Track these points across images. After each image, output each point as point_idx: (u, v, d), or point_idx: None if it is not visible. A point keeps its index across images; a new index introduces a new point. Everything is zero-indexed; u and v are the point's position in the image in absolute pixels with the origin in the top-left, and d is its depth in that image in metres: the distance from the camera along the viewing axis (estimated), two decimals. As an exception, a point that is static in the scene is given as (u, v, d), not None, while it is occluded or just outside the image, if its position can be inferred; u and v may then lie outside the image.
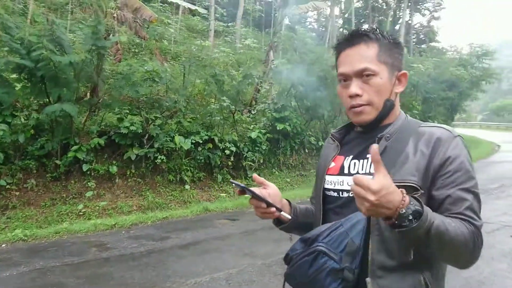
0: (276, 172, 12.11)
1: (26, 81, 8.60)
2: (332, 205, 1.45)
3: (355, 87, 1.35)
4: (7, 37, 8.25)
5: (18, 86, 8.67)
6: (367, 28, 1.40)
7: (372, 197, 1.07)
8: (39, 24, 10.11)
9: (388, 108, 1.38)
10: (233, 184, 1.48)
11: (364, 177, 1.09)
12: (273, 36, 14.22)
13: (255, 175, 1.55)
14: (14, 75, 8.69)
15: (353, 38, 1.38)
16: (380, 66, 1.34)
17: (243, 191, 1.39)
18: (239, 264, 5.27)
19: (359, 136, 1.48)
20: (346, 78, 1.38)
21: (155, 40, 15.41)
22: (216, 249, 6.04)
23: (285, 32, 16.71)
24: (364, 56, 1.34)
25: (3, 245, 6.37)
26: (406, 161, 1.28)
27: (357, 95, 1.35)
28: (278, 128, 11.89)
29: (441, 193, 1.24)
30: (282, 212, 1.45)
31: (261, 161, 11.69)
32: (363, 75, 1.34)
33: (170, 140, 9.92)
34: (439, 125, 1.38)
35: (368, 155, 1.35)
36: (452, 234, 1.15)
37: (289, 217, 1.49)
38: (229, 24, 21.69)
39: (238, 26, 20.10)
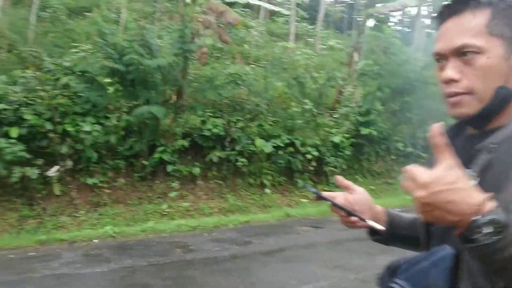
0: (360, 179, 11.48)
1: (118, 84, 9.00)
2: (433, 227, 1.12)
3: (451, 69, 0.99)
4: (103, 42, 8.73)
5: (111, 89, 9.09)
6: None
7: (418, 193, 0.79)
8: (131, 30, 10.60)
9: (501, 99, 0.97)
10: (306, 189, 1.27)
11: (415, 168, 0.81)
12: (357, 36, 13.64)
13: (339, 177, 1.31)
14: (107, 79, 9.12)
15: (456, 3, 1.01)
16: (490, 41, 0.96)
17: (319, 196, 1.23)
18: (329, 277, 4.90)
19: (467, 139, 1.08)
20: (442, 58, 1.02)
21: (237, 44, 15.54)
22: (301, 258, 5.72)
23: (370, 32, 15.98)
24: (466, 27, 0.97)
25: (95, 240, 6.62)
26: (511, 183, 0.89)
27: (453, 80, 0.98)
28: (362, 133, 11.28)
29: None
30: (369, 222, 1.23)
31: (344, 167, 11.15)
32: (463, 53, 0.97)
33: (251, 143, 9.82)
34: None
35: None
36: None
37: (380, 227, 1.25)
38: (310, 27, 21.34)
39: (319, 28, 19.70)
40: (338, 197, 1.24)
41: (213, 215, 8.49)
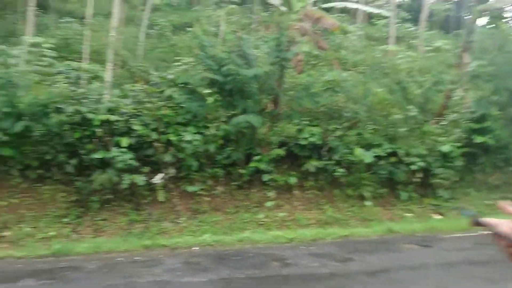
0: (473, 193, 10.30)
1: (217, 94, 9.23)
2: None
3: None
4: (203, 55, 9.04)
5: (210, 99, 9.36)
6: None
7: None
8: (229, 42, 10.88)
9: None
10: (463, 213, 1.03)
11: None
12: (467, 35, 12.38)
13: (503, 203, 1.09)
14: (206, 90, 9.41)
15: None
16: None
17: (477, 222, 1.10)
18: (443, 306, 4.33)
19: None
20: None
21: (333, 50, 15.15)
22: (409, 281, 5.18)
23: (483, 30, 14.45)
24: None
25: (194, 248, 6.77)
26: None
27: None
28: (476, 141, 10.13)
29: None
30: None
31: (454, 179, 10.08)
32: None
33: (349, 152, 9.37)
34: None
35: None
36: None
37: None
38: (412, 28, 20.08)
39: (422, 29, 18.41)
40: (501, 224, 1.06)
41: (310, 227, 8.22)
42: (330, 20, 10.86)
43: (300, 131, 9.54)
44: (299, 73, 10.85)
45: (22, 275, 5.42)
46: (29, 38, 9.76)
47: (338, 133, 9.55)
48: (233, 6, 15.97)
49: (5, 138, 7.59)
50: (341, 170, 9.18)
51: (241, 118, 8.64)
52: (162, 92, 9.27)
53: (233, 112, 9.18)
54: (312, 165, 9.21)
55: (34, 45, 9.35)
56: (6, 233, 7.07)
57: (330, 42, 14.55)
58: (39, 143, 8.00)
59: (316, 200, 9.24)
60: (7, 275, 5.45)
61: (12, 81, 8.04)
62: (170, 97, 9.10)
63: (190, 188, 8.62)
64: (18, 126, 7.65)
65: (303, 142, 9.26)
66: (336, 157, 9.27)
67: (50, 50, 9.28)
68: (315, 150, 9.39)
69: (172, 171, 8.60)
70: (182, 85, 9.26)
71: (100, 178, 7.86)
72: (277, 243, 7.04)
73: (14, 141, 7.75)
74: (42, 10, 14.52)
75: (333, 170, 9.22)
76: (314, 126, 9.73)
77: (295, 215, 8.70)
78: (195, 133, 8.64)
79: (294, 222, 8.46)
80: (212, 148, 8.78)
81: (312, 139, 9.17)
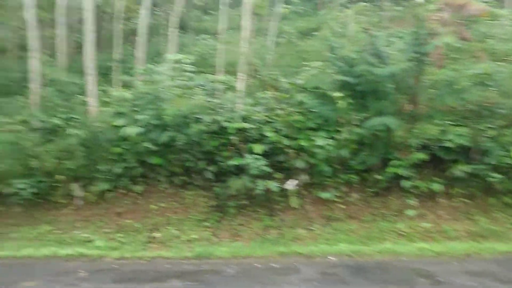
0: None
1: (348, 97, 8.84)
2: None
3: None
4: (333, 57, 8.77)
5: (341, 102, 9.01)
6: None
7: None
8: (358, 41, 10.40)
9: None
10: None
11: None
12: None
13: None
14: (337, 93, 9.08)
15: None
16: None
17: None
18: None
19: None
20: None
21: (478, 41, 13.42)
22: None
23: None
24: None
25: (330, 257, 6.49)
26: None
27: None
28: None
29: None
30: None
31: None
32: None
33: (507, 155, 8.08)
34: None
35: None
36: None
37: None
38: None
39: None
40: None
41: (460, 240, 7.29)
42: (476, 6, 9.64)
43: (443, 132, 8.58)
44: (439, 68, 9.84)
45: (169, 275, 5.82)
46: (171, 56, 10.70)
47: (492, 133, 8.32)
48: (363, 3, 15.32)
49: (154, 147, 8.39)
50: (497, 175, 7.96)
51: (376, 121, 8.10)
52: (292, 98, 9.26)
53: (366, 114, 8.68)
54: (460, 169, 8.19)
55: (176, 62, 10.19)
56: (157, 234, 7.75)
57: (474, 31, 12.94)
58: (182, 151, 8.64)
59: (466, 209, 8.19)
60: (157, 274, 5.91)
61: (159, 96, 8.86)
62: (300, 103, 9.02)
63: (323, 195, 8.38)
64: (164, 137, 8.39)
65: (448, 144, 8.30)
66: (489, 160, 8.09)
67: (189, 66, 10.00)
68: (463, 153, 8.34)
69: (304, 177, 8.48)
70: (312, 89, 9.11)
71: (235, 184, 8.14)
72: (422, 256, 6.39)
73: (161, 151, 8.52)
74: (181, 31, 15.95)
75: (486, 175, 8.06)
76: (459, 126, 8.67)
77: (442, 226, 7.81)
78: (326, 138, 8.39)
79: (440, 234, 7.60)
80: (345, 153, 8.43)
81: (459, 141, 8.18)
